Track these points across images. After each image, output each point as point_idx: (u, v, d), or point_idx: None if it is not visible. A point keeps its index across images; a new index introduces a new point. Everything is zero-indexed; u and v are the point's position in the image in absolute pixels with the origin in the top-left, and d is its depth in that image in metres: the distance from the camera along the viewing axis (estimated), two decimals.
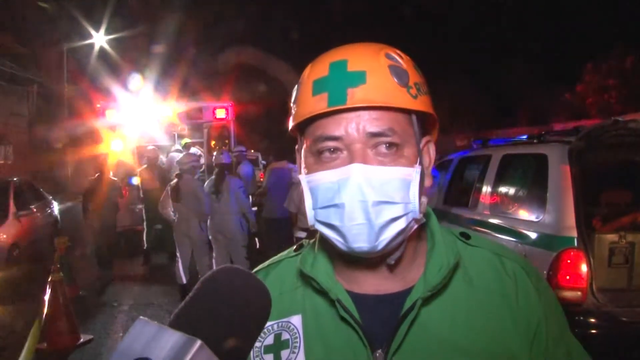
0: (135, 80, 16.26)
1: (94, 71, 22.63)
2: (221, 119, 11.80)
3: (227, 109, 11.77)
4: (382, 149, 0.91)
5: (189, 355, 0.57)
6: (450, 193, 6.70)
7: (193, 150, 10.87)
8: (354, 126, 0.91)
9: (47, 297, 5.59)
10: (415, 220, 0.94)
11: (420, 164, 0.95)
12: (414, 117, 0.95)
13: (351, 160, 0.90)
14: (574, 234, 3.91)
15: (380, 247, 0.91)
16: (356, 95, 0.90)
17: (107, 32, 22.86)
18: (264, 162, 14.11)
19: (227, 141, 12.07)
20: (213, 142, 12.19)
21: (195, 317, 0.69)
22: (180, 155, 9.02)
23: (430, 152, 1.03)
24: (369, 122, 0.91)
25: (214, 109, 11.75)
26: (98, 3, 22.48)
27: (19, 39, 21.76)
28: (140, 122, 11.09)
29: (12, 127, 22.38)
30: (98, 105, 11.42)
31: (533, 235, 4.28)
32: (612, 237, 4.16)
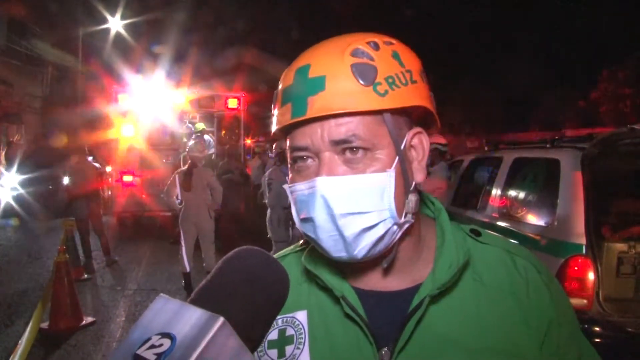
0: (149, 66, 16.32)
1: (109, 55, 22.72)
2: (233, 109, 11.82)
3: (239, 99, 11.80)
4: (349, 154, 0.88)
5: (212, 332, 0.57)
6: (459, 194, 6.68)
7: (206, 137, 10.90)
8: (318, 135, 0.89)
9: (52, 278, 5.63)
10: (398, 225, 0.90)
11: (400, 163, 0.90)
12: (386, 116, 0.89)
13: (319, 171, 0.89)
14: (583, 241, 3.86)
15: (360, 255, 0.89)
16: (315, 104, 0.87)
17: (123, 17, 22.93)
18: (271, 155, 14.14)
19: (237, 131, 12.09)
20: (223, 132, 12.22)
21: (217, 295, 0.70)
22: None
23: (424, 144, 0.98)
24: (332, 129, 0.88)
25: (226, 98, 11.78)
26: None
27: (36, 20, 21.89)
28: (152, 108, 11.12)
29: (25, 107, 22.55)
30: (111, 90, 11.47)
31: (541, 240, 4.24)
32: (621, 246, 4.12)
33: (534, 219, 4.59)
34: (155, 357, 0.56)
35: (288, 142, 0.96)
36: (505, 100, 25.28)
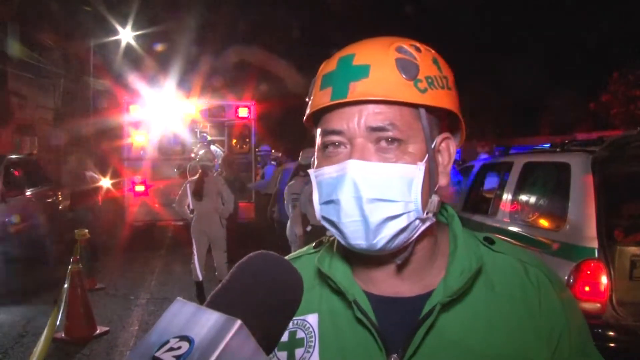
0: (160, 76, 16.47)
1: (120, 67, 22.93)
2: (243, 118, 11.88)
3: (249, 108, 11.86)
4: (384, 144, 0.90)
5: (229, 335, 0.58)
6: (470, 200, 6.66)
7: (213, 148, 10.95)
8: (355, 120, 0.90)
9: (65, 288, 5.67)
10: (420, 219, 0.91)
11: (429, 161, 0.92)
12: (422, 112, 0.91)
13: (351, 155, 0.90)
14: (595, 244, 3.84)
15: (379, 245, 0.89)
16: (357, 89, 0.89)
17: (134, 29, 23.14)
18: (273, 163, 14.11)
19: (247, 140, 12.14)
20: (234, 141, 12.28)
21: (232, 298, 0.71)
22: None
23: (450, 150, 1.00)
24: (370, 116, 0.89)
25: (237, 107, 11.85)
26: (125, 0, 22.78)
27: (48, 33, 22.15)
28: (163, 118, 11.20)
29: (38, 119, 22.77)
30: (123, 101, 11.57)
31: (553, 244, 4.22)
32: (634, 249, 4.08)
33: (545, 223, 4.57)
34: (173, 359, 0.57)
35: (319, 128, 0.97)
36: (515, 105, 25.15)
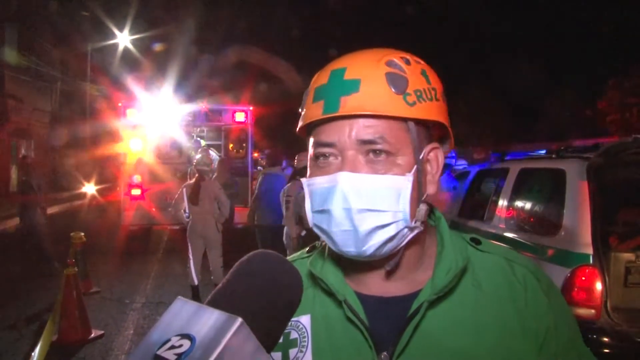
0: (157, 80, 16.49)
1: (117, 70, 22.94)
2: (240, 123, 11.87)
3: (246, 113, 11.85)
4: (373, 156, 0.93)
5: (230, 333, 0.59)
6: (466, 206, 6.67)
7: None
8: (346, 133, 0.93)
9: (60, 291, 5.66)
10: (409, 228, 0.95)
11: (417, 172, 0.95)
12: (411, 125, 0.95)
13: (342, 167, 0.93)
14: (590, 251, 3.86)
15: (368, 252, 0.93)
16: (348, 103, 0.92)
17: (131, 33, 23.17)
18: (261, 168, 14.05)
19: (244, 144, 12.14)
20: (231, 145, 12.27)
21: (233, 297, 0.71)
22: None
23: (439, 159, 1.03)
24: (361, 129, 0.92)
25: (234, 112, 11.84)
26: (122, 4, 22.83)
27: (46, 36, 22.15)
28: (160, 122, 11.19)
29: (35, 122, 22.74)
30: (119, 104, 11.56)
31: (548, 250, 4.24)
32: (628, 255, 4.10)
33: (541, 230, 4.58)
34: (175, 357, 0.58)
35: (312, 139, 1.00)
36: (513, 111, 25.24)
